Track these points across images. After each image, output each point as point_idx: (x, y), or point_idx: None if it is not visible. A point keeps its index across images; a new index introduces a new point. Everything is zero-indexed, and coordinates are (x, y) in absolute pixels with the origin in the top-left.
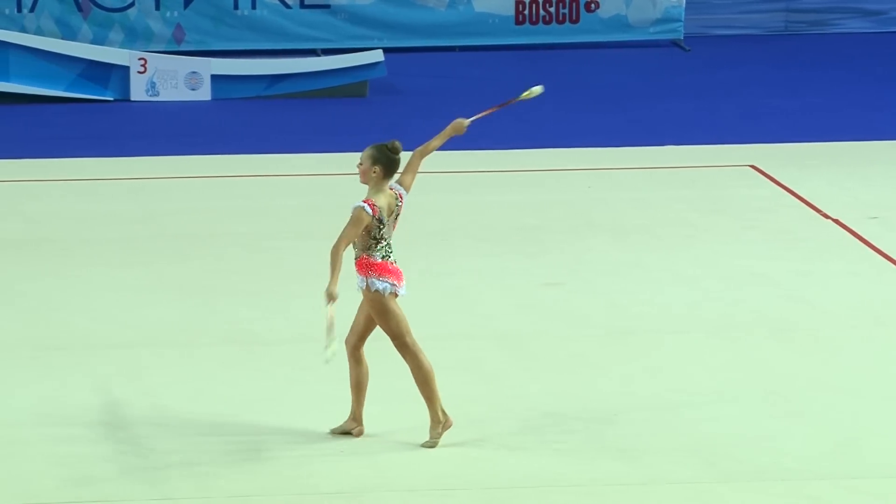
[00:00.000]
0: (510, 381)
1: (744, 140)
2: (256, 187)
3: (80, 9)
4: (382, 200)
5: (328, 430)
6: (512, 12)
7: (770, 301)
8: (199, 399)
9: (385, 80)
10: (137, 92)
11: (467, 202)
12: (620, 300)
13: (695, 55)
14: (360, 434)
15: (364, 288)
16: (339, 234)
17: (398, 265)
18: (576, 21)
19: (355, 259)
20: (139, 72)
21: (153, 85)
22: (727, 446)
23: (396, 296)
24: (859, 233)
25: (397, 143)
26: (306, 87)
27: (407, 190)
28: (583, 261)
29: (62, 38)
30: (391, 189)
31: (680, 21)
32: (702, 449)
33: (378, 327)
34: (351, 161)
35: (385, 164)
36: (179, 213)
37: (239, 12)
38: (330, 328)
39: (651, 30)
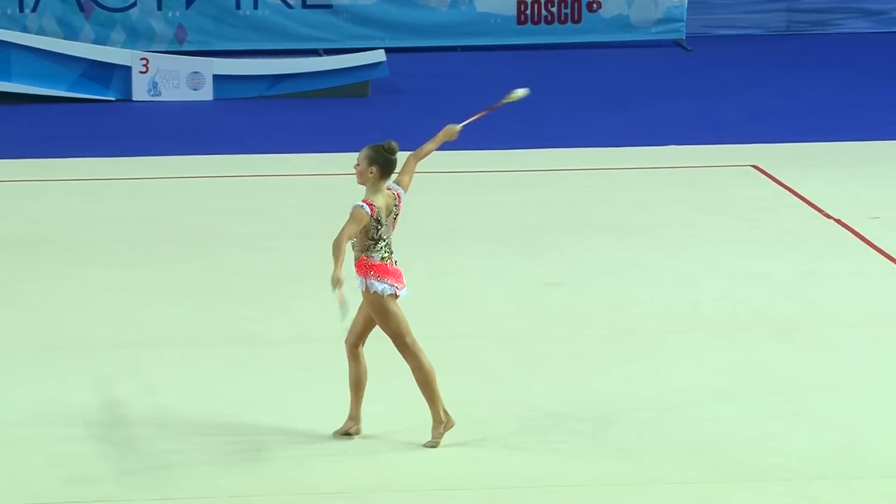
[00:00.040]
0: (511, 382)
1: (745, 140)
2: (258, 187)
3: (82, 9)
4: (380, 201)
5: (332, 433)
6: (514, 12)
7: (771, 301)
8: (200, 399)
9: (387, 80)
10: (139, 92)
11: (469, 202)
12: (622, 300)
13: (696, 55)
14: (357, 433)
15: (363, 289)
16: (340, 230)
17: (398, 266)
18: (578, 21)
19: (354, 260)
20: (141, 72)
21: (155, 85)
22: (729, 446)
23: (396, 297)
24: (861, 233)
25: (393, 144)
26: (308, 87)
27: (405, 190)
28: (584, 261)
29: (64, 38)
30: (389, 189)
31: (682, 21)
32: (703, 449)
33: (378, 327)
34: (352, 161)
35: (382, 164)
36: (181, 213)
37: (241, 12)
38: (342, 304)
39: (653, 30)
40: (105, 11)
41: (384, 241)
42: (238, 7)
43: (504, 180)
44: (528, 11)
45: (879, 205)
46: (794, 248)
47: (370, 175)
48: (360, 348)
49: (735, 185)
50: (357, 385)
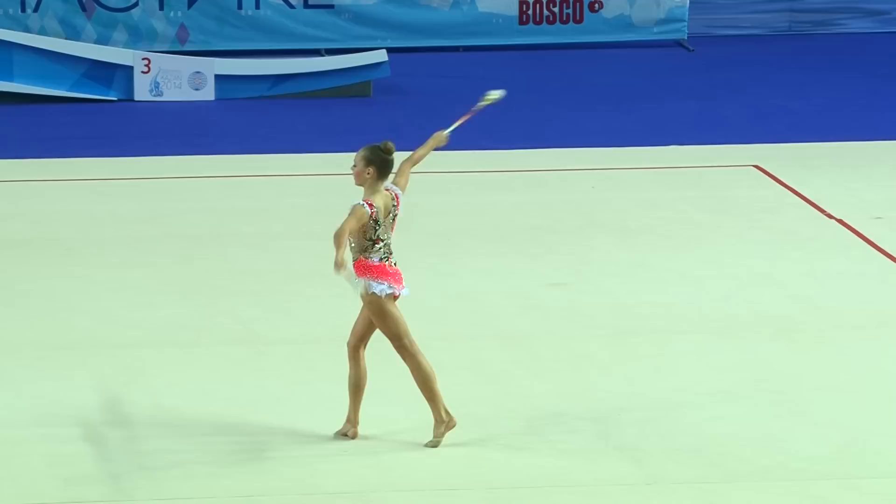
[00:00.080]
0: (515, 382)
1: (748, 140)
2: (260, 187)
3: (83, 9)
4: (379, 201)
5: (333, 433)
6: (516, 12)
7: (774, 301)
8: (202, 399)
9: (389, 81)
10: (141, 92)
11: (471, 202)
12: (625, 300)
13: (699, 55)
14: (354, 436)
15: (362, 290)
16: (340, 224)
17: (398, 267)
18: (580, 21)
19: (353, 262)
20: (143, 72)
21: (157, 85)
22: (731, 446)
23: (396, 298)
24: (863, 233)
25: (390, 144)
26: (310, 87)
27: (402, 191)
28: (587, 261)
29: (66, 38)
30: (387, 190)
31: (684, 21)
32: (706, 449)
33: (378, 330)
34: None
35: (379, 165)
36: (183, 213)
37: (243, 12)
38: (349, 277)
39: (655, 30)
40: (107, 11)
41: (383, 241)
42: (240, 7)
43: (507, 180)
44: (530, 11)
45: (882, 205)
46: (797, 248)
47: (367, 176)
48: (361, 351)
49: (737, 185)
50: (356, 388)
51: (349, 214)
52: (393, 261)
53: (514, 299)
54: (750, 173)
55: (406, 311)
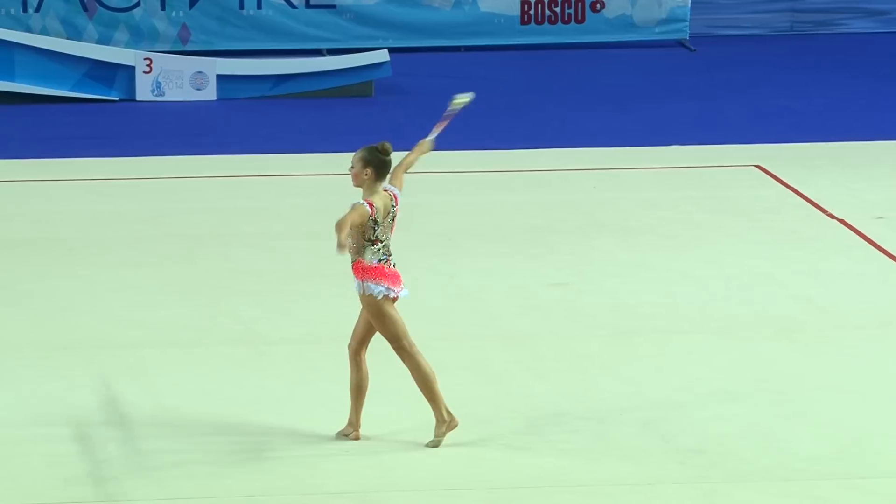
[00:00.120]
0: (516, 381)
1: (749, 140)
2: (262, 187)
3: (85, 9)
4: (378, 202)
5: (334, 434)
6: (517, 12)
7: (776, 301)
8: (204, 399)
9: (390, 80)
10: (143, 92)
11: (473, 202)
12: (626, 300)
13: (700, 55)
14: (356, 439)
15: (360, 292)
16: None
17: (397, 268)
18: (581, 21)
19: (351, 263)
20: (144, 72)
21: (158, 85)
22: (733, 446)
23: (395, 299)
24: (865, 233)
25: (387, 145)
26: (312, 87)
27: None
28: (589, 261)
29: (67, 38)
30: (386, 191)
31: (685, 21)
32: (708, 449)
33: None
34: None
35: (376, 165)
36: (185, 213)
37: (244, 12)
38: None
39: (656, 30)
40: (108, 11)
41: (381, 242)
42: (241, 7)
43: (508, 180)
44: (532, 11)
45: (883, 205)
46: (798, 248)
47: (365, 177)
48: (362, 354)
49: (739, 185)
50: (358, 391)
51: (350, 210)
52: (392, 262)
53: (515, 299)
54: (751, 173)
55: (407, 311)
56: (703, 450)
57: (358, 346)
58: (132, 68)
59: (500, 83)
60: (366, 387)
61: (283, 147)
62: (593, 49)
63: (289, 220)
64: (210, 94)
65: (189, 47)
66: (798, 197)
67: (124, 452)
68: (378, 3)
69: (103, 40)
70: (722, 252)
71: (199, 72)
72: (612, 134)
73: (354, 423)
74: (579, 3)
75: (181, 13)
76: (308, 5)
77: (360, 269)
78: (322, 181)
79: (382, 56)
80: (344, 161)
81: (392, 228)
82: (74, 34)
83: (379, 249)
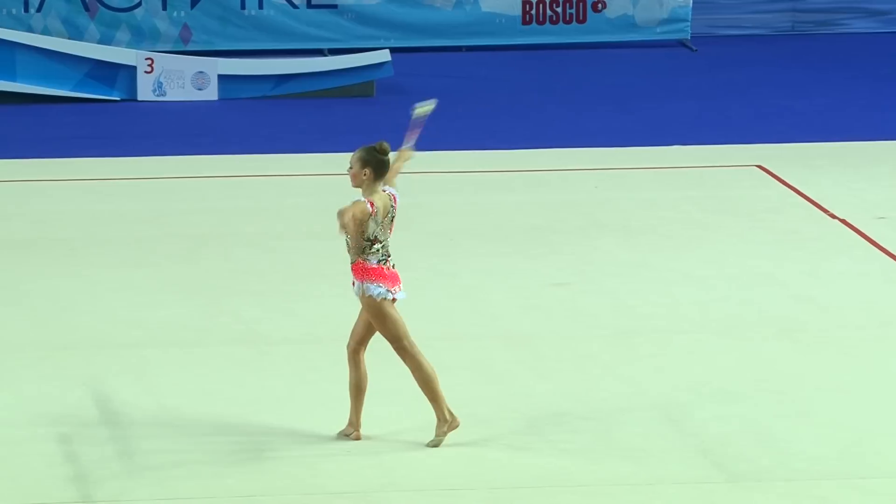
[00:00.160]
0: (517, 381)
1: (751, 140)
2: (263, 187)
3: (86, 8)
4: (378, 201)
5: (336, 434)
6: (519, 12)
7: (777, 301)
8: (205, 399)
9: (392, 80)
10: (144, 92)
11: (474, 202)
12: (628, 300)
13: (702, 55)
14: (357, 439)
15: (360, 293)
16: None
17: (396, 269)
18: (583, 21)
19: (351, 263)
20: (146, 72)
21: (160, 85)
22: (735, 446)
23: (394, 300)
24: (866, 233)
25: (385, 144)
26: (313, 87)
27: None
28: (590, 261)
29: (69, 38)
30: (384, 191)
31: (687, 21)
32: (709, 449)
33: (377, 332)
34: None
35: (375, 165)
36: (186, 213)
37: (246, 12)
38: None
39: (658, 30)
40: (110, 11)
41: (381, 243)
42: (243, 7)
43: (509, 180)
44: (533, 11)
45: (885, 205)
46: (800, 248)
47: (364, 177)
48: (360, 354)
49: (740, 185)
50: (357, 391)
51: (352, 203)
52: (391, 263)
53: (516, 299)
54: (752, 173)
55: (408, 311)
56: (704, 450)
57: (357, 346)
58: (133, 68)
59: (501, 83)
60: (365, 387)
61: (285, 147)
62: (594, 49)
63: (290, 220)
64: (211, 94)
65: (190, 47)
66: (799, 197)
67: (125, 452)
68: (379, 3)
69: (105, 40)
70: (723, 252)
71: (201, 72)
72: (613, 134)
73: (355, 423)
74: (581, 3)
75: (182, 13)
76: (309, 5)
77: (359, 270)
78: (323, 181)
79: (384, 56)
80: (345, 161)
81: (391, 229)
82: (76, 34)
83: (378, 250)
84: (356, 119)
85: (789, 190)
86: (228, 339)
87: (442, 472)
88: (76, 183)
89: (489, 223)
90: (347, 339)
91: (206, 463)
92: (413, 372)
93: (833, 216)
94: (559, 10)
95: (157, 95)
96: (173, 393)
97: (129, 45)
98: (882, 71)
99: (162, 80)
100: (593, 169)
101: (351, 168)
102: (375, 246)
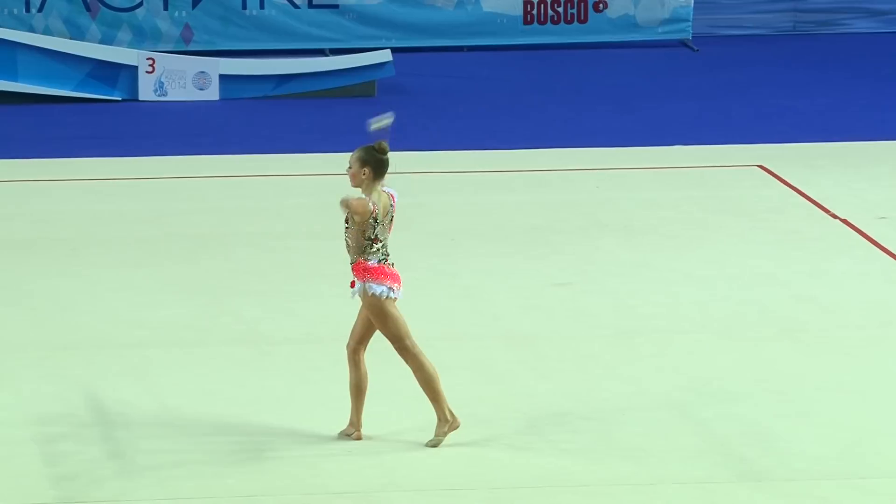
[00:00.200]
0: (518, 381)
1: (752, 140)
2: (265, 187)
3: (88, 9)
4: (378, 201)
5: (337, 434)
6: (520, 12)
7: (778, 301)
8: (206, 399)
9: (393, 80)
10: (146, 92)
11: (475, 202)
12: (629, 300)
13: (703, 55)
14: (358, 439)
15: (361, 293)
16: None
17: (396, 269)
18: (584, 21)
19: (352, 263)
20: (147, 72)
21: (161, 85)
22: (736, 446)
23: (395, 299)
24: (868, 233)
25: (384, 144)
26: (314, 86)
27: None
28: (591, 261)
29: (70, 38)
30: (384, 190)
31: (688, 21)
32: (710, 449)
33: (378, 331)
34: None
35: (374, 165)
36: (187, 213)
37: (247, 12)
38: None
39: (659, 30)
40: (111, 11)
41: (381, 242)
42: (244, 7)
43: (510, 180)
44: (535, 11)
45: (886, 205)
46: (801, 248)
47: (364, 177)
48: (360, 354)
49: (741, 185)
50: (357, 391)
51: (356, 197)
52: (391, 262)
53: (517, 299)
54: (754, 173)
55: (408, 311)
56: (704, 450)
57: (356, 346)
58: (135, 68)
59: (502, 83)
60: (365, 386)
61: (286, 147)
62: (596, 49)
63: (291, 220)
64: (213, 94)
65: (192, 47)
66: (800, 197)
67: (125, 452)
68: (381, 3)
69: (106, 40)
70: (724, 252)
71: (202, 72)
72: (614, 134)
73: (356, 423)
74: (582, 3)
75: (184, 13)
76: (311, 5)
77: (361, 270)
78: (324, 181)
79: (385, 56)
80: (346, 161)
81: (390, 228)
82: (77, 34)
83: (378, 249)
84: (357, 119)
85: (790, 190)
86: (229, 339)
87: (443, 472)
88: (77, 183)
89: (490, 223)
90: (346, 342)
91: (207, 463)
92: (415, 372)
93: (834, 216)
94: (560, 10)
95: (159, 95)
96: (174, 393)
97: (131, 45)
98: (883, 71)
99: (163, 80)
100: (594, 169)
101: (350, 168)
102: (376, 245)
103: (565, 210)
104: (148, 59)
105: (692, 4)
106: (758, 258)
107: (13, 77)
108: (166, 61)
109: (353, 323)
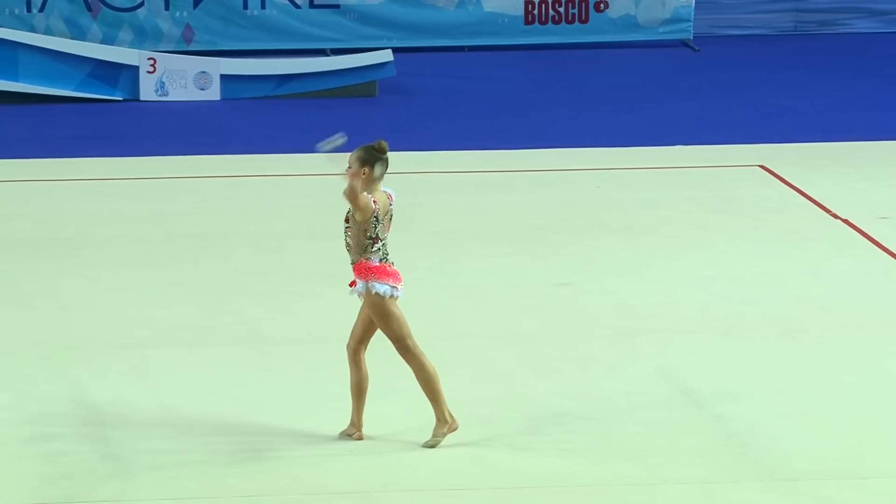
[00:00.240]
0: (519, 381)
1: (753, 140)
2: (266, 187)
3: (89, 8)
4: (379, 199)
5: (338, 434)
6: (521, 12)
7: (779, 301)
8: (208, 399)
9: (394, 80)
10: (147, 92)
11: (476, 202)
12: (630, 300)
13: (704, 55)
14: (359, 439)
15: (364, 292)
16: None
17: (395, 267)
18: (585, 21)
19: (353, 264)
20: (148, 72)
21: (162, 85)
22: (736, 446)
23: (397, 298)
24: (869, 233)
25: (384, 143)
26: (315, 86)
27: None
28: (592, 261)
29: (72, 38)
30: (382, 190)
31: (689, 21)
32: (711, 449)
33: (378, 331)
34: None
35: (374, 164)
36: (189, 213)
37: (248, 12)
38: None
39: (660, 30)
40: (112, 11)
41: (381, 241)
42: (245, 7)
43: (511, 180)
44: (536, 11)
45: (887, 205)
46: (802, 248)
47: (363, 176)
48: (361, 354)
49: (742, 185)
50: (358, 391)
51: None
52: (391, 260)
53: (518, 299)
54: (755, 173)
55: (409, 311)
56: (705, 450)
57: (357, 346)
58: (136, 68)
59: (503, 83)
60: (366, 386)
61: (287, 147)
62: (597, 49)
63: (292, 220)
64: (214, 93)
65: (193, 47)
66: (801, 197)
67: (127, 452)
68: (382, 3)
69: (107, 40)
70: (725, 252)
71: (203, 72)
72: (615, 134)
73: (357, 423)
74: (583, 3)
75: (185, 13)
76: (312, 5)
77: (363, 270)
78: (325, 181)
79: (386, 56)
80: (347, 161)
81: (388, 227)
82: (78, 34)
83: (380, 248)
84: (358, 119)
85: (791, 190)
86: (230, 339)
87: (444, 472)
88: (78, 183)
89: (491, 223)
90: (346, 342)
91: (208, 463)
92: (415, 372)
93: (835, 216)
94: (561, 10)
95: (160, 95)
96: (175, 393)
97: (132, 45)
98: (884, 71)
99: (164, 79)
100: (595, 169)
101: (350, 167)
102: (377, 244)
103: (566, 210)
104: (149, 59)
105: (693, 4)
106: (759, 258)
107: (14, 77)
108: (167, 61)
109: (347, 327)
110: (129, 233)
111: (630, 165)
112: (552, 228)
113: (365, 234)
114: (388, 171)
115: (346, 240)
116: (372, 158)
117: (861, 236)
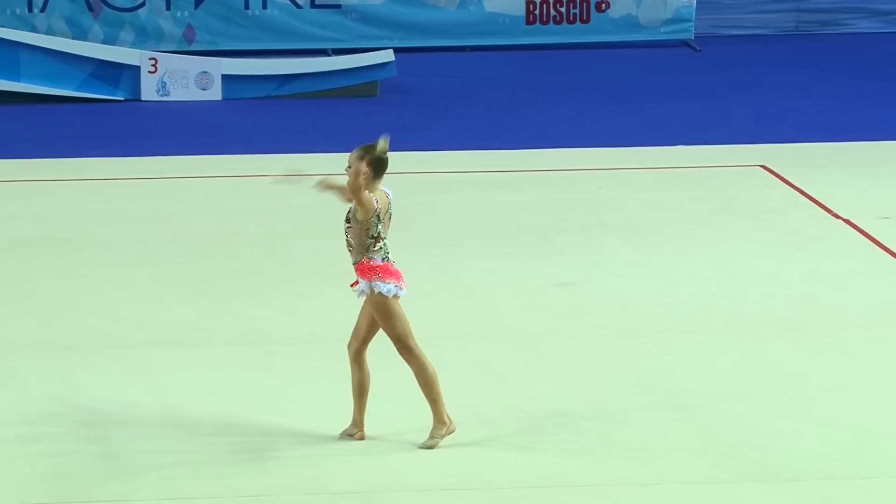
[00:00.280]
0: (521, 381)
1: (755, 140)
2: (266, 187)
3: (90, 8)
4: (379, 198)
5: (339, 434)
6: (522, 12)
7: (781, 301)
8: (209, 398)
9: (396, 80)
10: (148, 92)
11: (478, 202)
12: (632, 300)
13: (705, 55)
14: (361, 439)
15: (368, 291)
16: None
17: (397, 266)
18: (586, 21)
19: (355, 264)
20: (150, 72)
21: (164, 85)
22: (738, 446)
23: (399, 297)
24: (870, 233)
25: (384, 142)
26: (317, 87)
27: None
28: (594, 261)
29: (73, 38)
30: (382, 190)
31: (691, 21)
32: (713, 449)
33: (380, 331)
34: None
35: (374, 164)
36: (190, 213)
37: (250, 12)
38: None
39: (662, 30)
40: (114, 11)
41: (382, 240)
42: (247, 7)
43: (513, 180)
44: (537, 11)
45: (888, 205)
46: (803, 248)
47: (364, 175)
48: (363, 354)
49: (744, 185)
50: (360, 391)
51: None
52: (392, 259)
53: (520, 299)
54: (756, 173)
55: (411, 311)
56: (707, 450)
57: (359, 346)
58: (137, 68)
59: (504, 83)
60: (368, 386)
61: (288, 147)
62: (598, 49)
63: (293, 220)
64: (215, 94)
65: (194, 47)
66: (803, 197)
67: (127, 452)
68: (383, 3)
69: (108, 40)
70: (727, 252)
71: (204, 72)
72: (617, 134)
73: (358, 423)
74: (584, 3)
75: (186, 13)
76: (313, 5)
77: (366, 269)
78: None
79: (387, 56)
80: (347, 161)
81: (388, 226)
82: (80, 34)
83: (381, 247)
84: (360, 119)
85: (793, 190)
86: (232, 339)
87: (445, 472)
88: (79, 183)
89: (493, 223)
90: (348, 342)
91: (209, 463)
92: (416, 373)
93: (837, 216)
94: (563, 10)
95: (161, 95)
96: (176, 393)
97: (133, 45)
98: (886, 71)
99: (165, 80)
100: (597, 169)
101: (349, 167)
102: (379, 243)
103: (568, 210)
104: (150, 59)
105: (694, 4)
106: (760, 258)
107: (16, 77)
108: (169, 61)
109: (348, 326)
110: (130, 233)
111: (632, 165)
112: (554, 228)
113: (367, 234)
114: (390, 170)
115: (347, 240)
116: (372, 157)
117: (862, 236)
